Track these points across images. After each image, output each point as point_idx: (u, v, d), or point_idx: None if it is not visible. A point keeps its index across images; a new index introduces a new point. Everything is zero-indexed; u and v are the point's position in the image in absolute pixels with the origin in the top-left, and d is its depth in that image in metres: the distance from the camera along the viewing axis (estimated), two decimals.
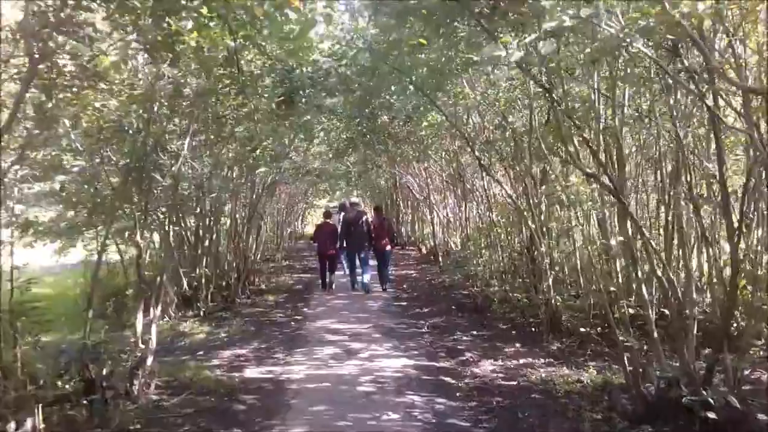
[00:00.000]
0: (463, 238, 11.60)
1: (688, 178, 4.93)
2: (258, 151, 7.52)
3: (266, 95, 5.24)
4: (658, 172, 6.01)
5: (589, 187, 5.29)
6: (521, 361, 5.71)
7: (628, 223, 4.51)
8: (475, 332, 6.93)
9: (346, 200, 12.39)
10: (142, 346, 4.81)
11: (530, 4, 3.19)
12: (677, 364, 4.04)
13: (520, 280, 8.19)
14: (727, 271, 4.18)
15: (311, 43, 5.79)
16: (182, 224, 8.52)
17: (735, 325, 4.79)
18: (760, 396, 3.82)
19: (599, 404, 4.39)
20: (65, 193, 5.39)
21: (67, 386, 4.23)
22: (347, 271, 10.68)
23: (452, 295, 9.54)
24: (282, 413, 4.49)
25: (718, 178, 3.87)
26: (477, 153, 7.59)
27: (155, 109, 4.55)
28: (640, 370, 4.18)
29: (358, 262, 10.40)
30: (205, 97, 4.87)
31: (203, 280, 8.67)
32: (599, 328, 6.12)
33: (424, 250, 16.35)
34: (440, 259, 13.03)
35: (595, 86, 4.78)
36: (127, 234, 4.97)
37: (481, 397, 4.76)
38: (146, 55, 4.25)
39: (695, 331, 4.22)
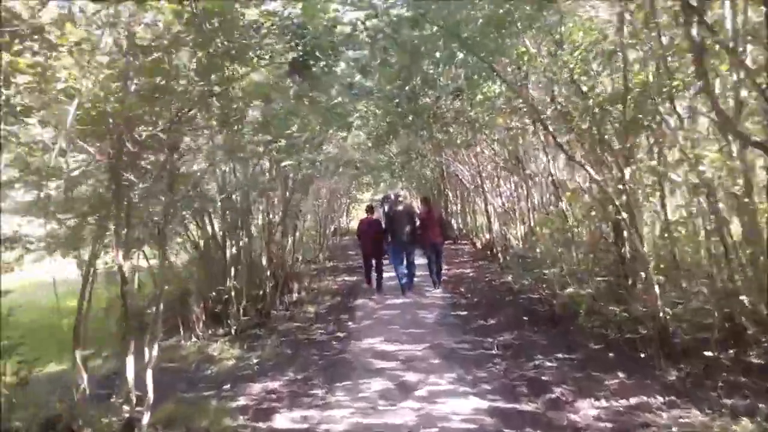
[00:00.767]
0: (527, 232, 10.09)
1: None
2: (279, 141, 6.16)
3: (268, 58, 3.94)
4: None
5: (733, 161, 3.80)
6: (632, 401, 4.27)
7: None
8: (560, 355, 5.48)
9: (391, 193, 11.28)
10: (133, 398, 3.71)
11: None
12: None
13: (604, 282, 6.67)
14: None
15: None
16: (208, 229, 7.60)
17: None
18: None
19: None
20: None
21: None
22: (395, 270, 9.45)
23: (519, 300, 8.11)
24: None
25: None
26: (551, 129, 6.10)
27: (131, 87, 3.37)
28: None
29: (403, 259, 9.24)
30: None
31: (233, 293, 7.62)
32: (729, 350, 4.69)
33: (479, 245, 14.86)
34: (499, 255, 11.58)
35: None
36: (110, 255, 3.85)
37: None
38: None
39: None
